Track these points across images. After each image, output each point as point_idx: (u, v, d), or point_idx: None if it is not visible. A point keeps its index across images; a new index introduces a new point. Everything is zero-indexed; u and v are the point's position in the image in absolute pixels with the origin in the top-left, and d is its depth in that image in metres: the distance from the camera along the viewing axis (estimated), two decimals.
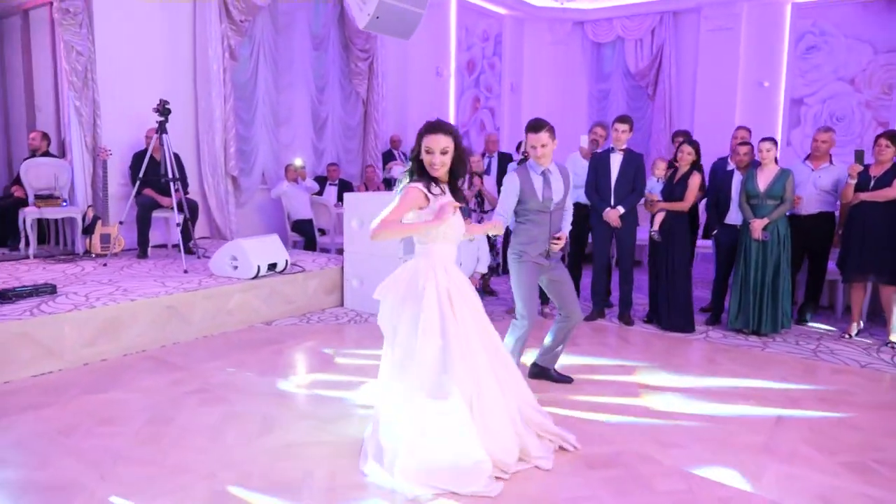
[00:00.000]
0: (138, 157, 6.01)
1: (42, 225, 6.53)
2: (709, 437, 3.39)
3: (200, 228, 7.41)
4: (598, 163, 5.59)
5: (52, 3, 5.89)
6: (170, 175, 5.67)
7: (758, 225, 5.17)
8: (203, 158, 7.28)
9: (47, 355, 4.08)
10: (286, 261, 5.66)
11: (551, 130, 3.69)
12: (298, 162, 7.80)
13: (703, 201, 6.13)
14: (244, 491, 2.76)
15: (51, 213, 6.05)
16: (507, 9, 11.66)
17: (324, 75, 8.84)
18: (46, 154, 6.46)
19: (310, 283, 5.81)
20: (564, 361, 4.49)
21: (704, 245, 6.82)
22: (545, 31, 12.32)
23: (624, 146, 5.52)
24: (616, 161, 5.50)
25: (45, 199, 6.01)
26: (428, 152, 2.83)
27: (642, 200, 5.67)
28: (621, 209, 5.42)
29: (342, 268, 6.05)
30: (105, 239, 6.02)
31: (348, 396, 3.85)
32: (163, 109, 5.60)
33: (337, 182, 8.30)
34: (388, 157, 9.37)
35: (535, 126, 3.68)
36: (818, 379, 4.37)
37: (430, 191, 2.86)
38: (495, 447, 2.86)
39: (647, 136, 11.47)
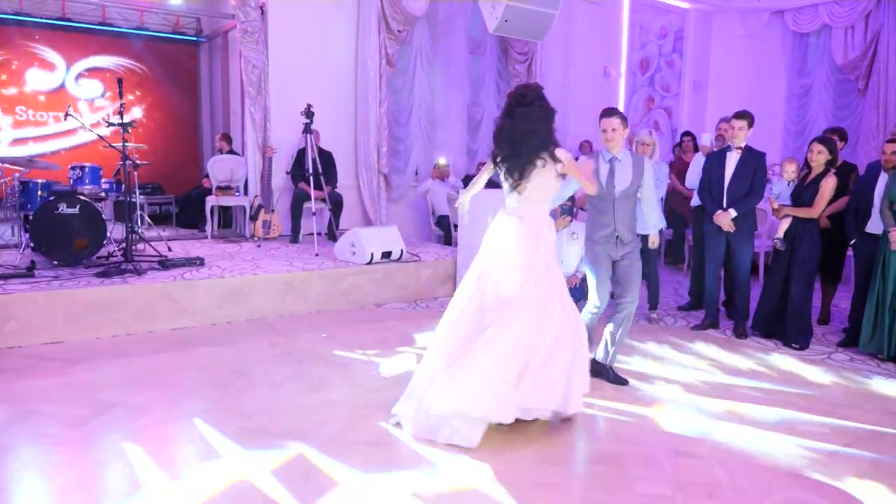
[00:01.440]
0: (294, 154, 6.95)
1: (222, 211, 7.81)
2: (735, 454, 3.14)
3: (354, 219, 8.23)
4: (713, 162, 5.22)
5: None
6: (311, 170, 6.47)
7: None
8: (359, 156, 8.09)
9: (183, 313, 5.00)
10: (401, 250, 6.14)
11: (623, 119, 3.94)
12: (442, 161, 8.28)
13: None
14: (264, 431, 3.23)
15: (226, 201, 7.27)
16: (691, 3, 11.05)
17: (480, 78, 9.22)
18: (230, 152, 7.75)
19: (423, 272, 6.23)
20: (637, 364, 4.39)
21: None
22: (737, 23, 11.41)
23: (742, 144, 5.10)
24: (732, 160, 5.10)
25: (224, 189, 7.24)
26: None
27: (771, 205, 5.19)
28: (733, 212, 5.01)
29: (455, 260, 6.37)
30: (265, 225, 7.06)
31: (401, 372, 4.14)
32: (307, 112, 6.42)
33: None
34: None
35: (608, 111, 3.98)
36: None
37: None
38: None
39: (856, 136, 10.02)
